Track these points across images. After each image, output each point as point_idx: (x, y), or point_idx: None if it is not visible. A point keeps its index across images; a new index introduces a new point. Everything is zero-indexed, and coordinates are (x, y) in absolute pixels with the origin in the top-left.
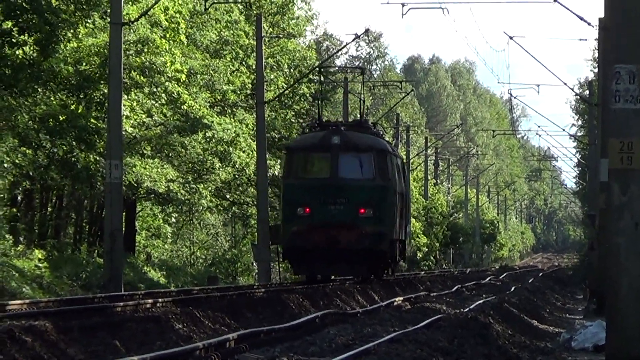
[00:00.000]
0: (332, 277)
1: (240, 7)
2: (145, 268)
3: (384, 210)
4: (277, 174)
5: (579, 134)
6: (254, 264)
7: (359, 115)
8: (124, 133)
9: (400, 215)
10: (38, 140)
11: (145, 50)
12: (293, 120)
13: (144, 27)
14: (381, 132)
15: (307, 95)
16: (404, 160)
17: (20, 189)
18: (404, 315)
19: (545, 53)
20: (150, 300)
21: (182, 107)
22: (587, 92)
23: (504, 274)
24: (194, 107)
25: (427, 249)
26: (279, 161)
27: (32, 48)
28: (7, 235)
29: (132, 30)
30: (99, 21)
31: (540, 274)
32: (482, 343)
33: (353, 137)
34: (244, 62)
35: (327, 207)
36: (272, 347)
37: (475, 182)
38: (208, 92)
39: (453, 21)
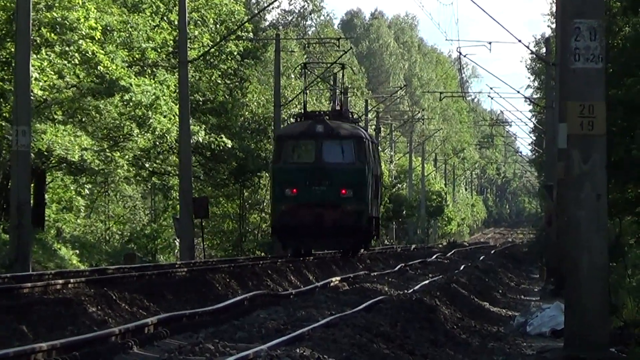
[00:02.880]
0: (313, 251)
1: None
2: (55, 245)
3: (362, 191)
4: (201, 140)
5: (535, 96)
6: (176, 240)
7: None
8: (32, 96)
9: (374, 195)
10: None
11: (57, 4)
12: (219, 81)
13: None
14: (358, 120)
15: (235, 53)
16: (378, 145)
17: None
18: (342, 296)
19: (498, 7)
20: (60, 281)
21: (98, 67)
22: (544, 50)
23: (453, 251)
24: (111, 68)
25: None
26: (203, 127)
27: None
28: None
29: None
30: None
31: (493, 251)
32: (428, 328)
33: (335, 125)
34: (165, 17)
35: (312, 188)
36: (196, 333)
37: (421, 149)
38: (126, 50)
39: None
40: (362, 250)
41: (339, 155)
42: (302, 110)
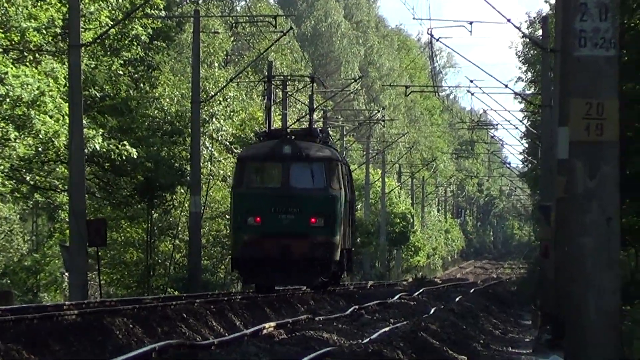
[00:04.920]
0: (277, 287)
1: None
2: None
3: (334, 220)
4: (98, 148)
5: (527, 91)
6: (64, 274)
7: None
8: None
9: (347, 224)
10: None
11: None
12: (121, 72)
13: None
14: (329, 140)
15: (143, 36)
16: (350, 167)
17: None
18: (278, 348)
19: None
20: None
21: None
22: (540, 32)
23: (421, 290)
24: None
25: None
26: (100, 131)
27: None
28: None
29: None
30: None
31: (472, 290)
32: None
33: (304, 146)
34: None
35: (278, 216)
36: None
37: (381, 159)
38: (0, 31)
39: None
40: (332, 286)
41: (309, 180)
42: (266, 128)
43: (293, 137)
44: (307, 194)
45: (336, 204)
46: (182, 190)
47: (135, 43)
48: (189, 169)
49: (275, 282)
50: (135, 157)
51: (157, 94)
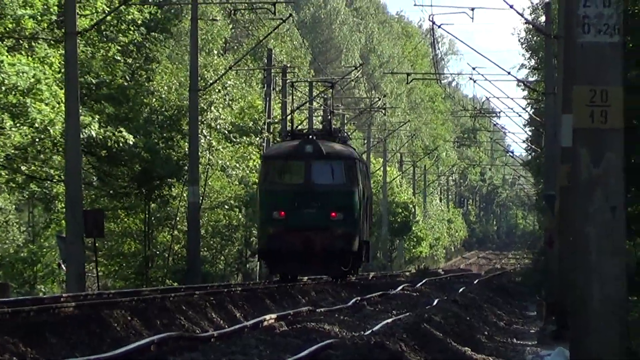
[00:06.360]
0: (300, 277)
1: None
2: None
3: (353, 213)
4: (94, 134)
5: (530, 78)
6: (62, 265)
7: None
8: None
9: (365, 217)
10: None
11: None
12: (118, 58)
13: None
14: (347, 140)
15: (139, 22)
16: (367, 165)
17: None
18: (279, 339)
19: None
20: None
21: None
22: (543, 18)
23: (424, 281)
24: None
25: None
26: (97, 117)
27: None
28: None
29: None
30: None
31: (476, 281)
32: None
33: (324, 145)
34: None
35: (301, 211)
36: None
37: (382, 147)
38: None
39: None
40: (351, 276)
41: (329, 177)
42: (289, 129)
43: (314, 137)
44: (328, 190)
45: (355, 199)
46: (180, 182)
47: (132, 28)
48: (186, 161)
49: (299, 272)
50: (131, 143)
51: (154, 84)
